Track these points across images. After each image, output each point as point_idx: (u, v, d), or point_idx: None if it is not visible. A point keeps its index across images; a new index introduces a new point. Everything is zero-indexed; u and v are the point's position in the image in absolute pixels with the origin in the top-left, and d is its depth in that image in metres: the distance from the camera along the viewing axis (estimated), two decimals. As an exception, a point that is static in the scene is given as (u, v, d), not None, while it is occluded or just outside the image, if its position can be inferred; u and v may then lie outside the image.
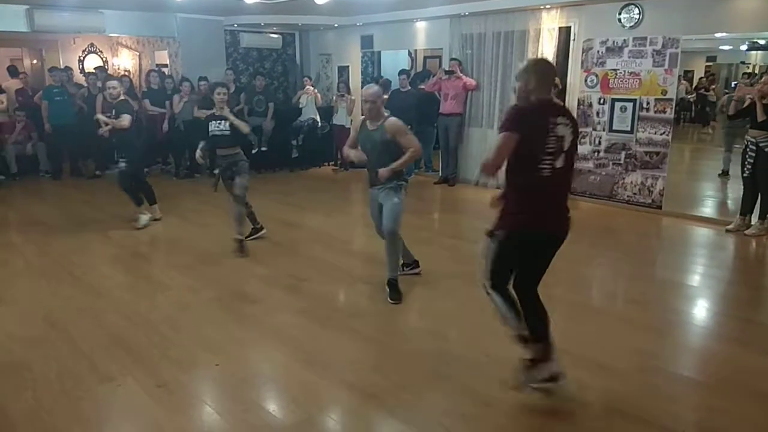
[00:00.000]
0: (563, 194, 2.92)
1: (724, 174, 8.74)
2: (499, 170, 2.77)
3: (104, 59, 11.61)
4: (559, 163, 2.77)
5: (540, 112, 2.78)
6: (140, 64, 11.19)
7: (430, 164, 9.49)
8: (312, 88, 9.64)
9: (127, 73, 10.86)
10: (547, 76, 2.86)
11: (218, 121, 5.34)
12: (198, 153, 5.43)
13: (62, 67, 9.82)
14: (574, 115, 7.16)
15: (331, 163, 10.35)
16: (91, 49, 11.49)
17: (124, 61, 11.58)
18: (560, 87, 7.30)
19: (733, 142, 8.51)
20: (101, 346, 3.58)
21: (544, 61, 3.07)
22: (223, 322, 3.94)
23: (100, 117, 6.22)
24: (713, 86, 13.96)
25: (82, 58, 11.39)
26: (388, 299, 4.22)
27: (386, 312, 4.14)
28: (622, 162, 7.08)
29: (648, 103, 6.75)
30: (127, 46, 11.39)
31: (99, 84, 8.95)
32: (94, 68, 10.32)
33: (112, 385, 3.15)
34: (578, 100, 7.34)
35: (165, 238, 6.01)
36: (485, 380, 3.19)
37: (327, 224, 6.56)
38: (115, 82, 6.19)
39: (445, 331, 3.62)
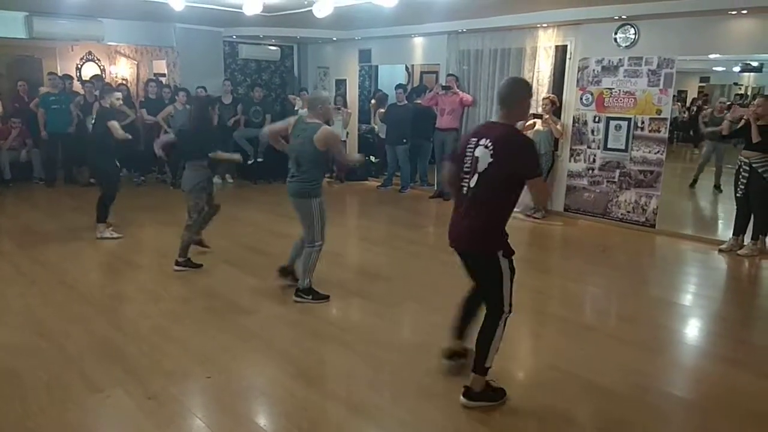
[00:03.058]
0: (475, 214, 2.92)
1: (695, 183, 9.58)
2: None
3: (102, 67, 11.62)
4: (472, 183, 2.89)
5: (471, 133, 3.01)
6: (138, 73, 11.20)
7: (425, 179, 9.52)
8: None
9: (124, 82, 10.87)
10: (499, 97, 2.95)
11: None
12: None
13: (60, 74, 9.80)
14: (565, 132, 7.26)
15: (326, 176, 10.34)
16: (89, 57, 11.50)
17: (122, 69, 11.60)
18: (558, 105, 7.36)
19: (709, 157, 9.26)
20: (91, 356, 3.54)
21: (503, 83, 3.03)
22: (215, 334, 3.91)
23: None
24: (706, 107, 14.07)
25: (79, 65, 11.39)
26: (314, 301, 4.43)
27: (379, 326, 4.13)
28: (616, 180, 7.12)
29: (643, 123, 6.81)
30: (125, 55, 11.41)
31: (96, 93, 8.96)
32: (91, 77, 10.32)
33: (101, 395, 3.12)
34: (573, 117, 7.39)
35: (157, 247, 5.98)
36: (478, 397, 3.18)
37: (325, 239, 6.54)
38: (119, 93, 6.35)
39: (439, 346, 3.60)
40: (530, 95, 2.99)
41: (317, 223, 4.34)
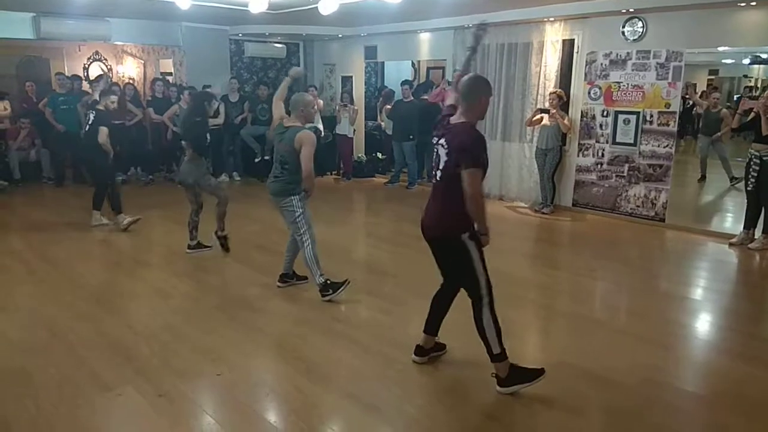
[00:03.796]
0: (439, 203, 3.15)
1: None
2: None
3: (109, 67, 11.66)
4: (437, 177, 3.14)
5: (438, 130, 3.18)
6: (145, 73, 11.23)
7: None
8: (320, 101, 9.75)
9: (131, 81, 10.90)
10: (462, 93, 3.09)
11: None
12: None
13: (68, 74, 9.83)
14: (575, 125, 7.22)
15: (333, 173, 10.37)
16: (96, 57, 11.52)
17: (129, 69, 11.63)
18: (565, 99, 7.31)
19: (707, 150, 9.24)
20: (102, 355, 3.56)
21: (466, 79, 3.14)
22: (225, 331, 3.92)
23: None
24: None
25: (87, 65, 11.43)
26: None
27: (387, 322, 4.13)
28: (625, 174, 7.08)
29: (651, 116, 6.76)
30: (132, 54, 11.44)
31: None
32: (95, 78, 10.33)
33: (112, 394, 3.13)
34: (581, 112, 7.35)
35: (166, 245, 6.01)
36: (489, 393, 3.17)
37: (328, 234, 6.54)
38: (114, 97, 6.63)
39: (447, 342, 3.60)
40: (490, 94, 3.14)
41: (301, 217, 4.40)
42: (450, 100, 3.39)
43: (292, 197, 4.35)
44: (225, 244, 5.61)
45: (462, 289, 3.27)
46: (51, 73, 10.50)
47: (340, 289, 4.45)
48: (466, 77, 3.14)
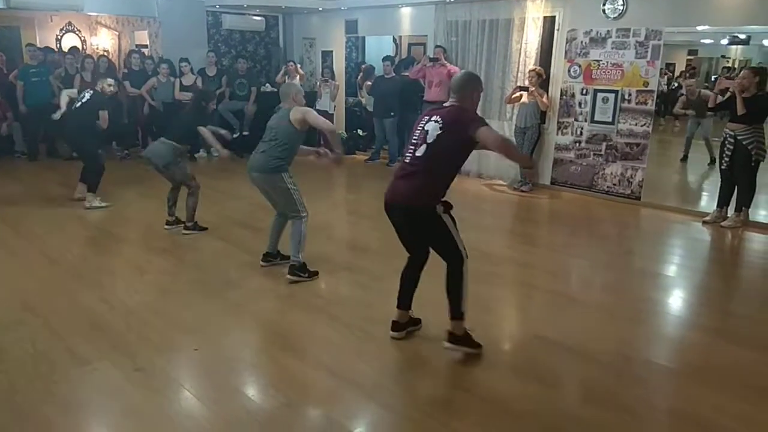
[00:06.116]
0: (419, 178, 3.15)
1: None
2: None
3: (83, 39, 11.36)
4: (417, 154, 3.15)
5: (423, 114, 3.32)
6: (119, 45, 10.97)
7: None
8: (301, 71, 9.65)
9: (105, 54, 10.64)
10: (454, 87, 3.26)
11: None
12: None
13: (40, 46, 9.56)
14: (552, 106, 7.24)
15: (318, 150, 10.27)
16: (69, 28, 11.22)
17: (103, 40, 11.34)
18: (544, 77, 7.32)
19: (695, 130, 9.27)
20: (77, 330, 3.53)
21: (458, 75, 3.42)
22: (203, 307, 3.90)
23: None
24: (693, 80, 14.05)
25: (59, 37, 11.12)
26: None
27: (367, 298, 4.15)
28: (602, 153, 7.13)
29: (630, 95, 6.80)
30: (106, 26, 11.15)
31: (77, 65, 8.78)
32: (69, 49, 10.06)
33: (88, 368, 3.11)
34: (561, 90, 7.36)
35: (143, 221, 5.94)
36: (466, 365, 3.22)
37: (309, 210, 6.52)
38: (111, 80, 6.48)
39: (425, 315, 3.63)
40: (481, 89, 3.33)
41: (296, 195, 4.35)
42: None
43: (282, 174, 4.26)
44: (200, 227, 5.49)
45: (441, 262, 3.30)
46: (22, 44, 10.20)
47: (312, 277, 4.39)
48: (459, 73, 3.37)
